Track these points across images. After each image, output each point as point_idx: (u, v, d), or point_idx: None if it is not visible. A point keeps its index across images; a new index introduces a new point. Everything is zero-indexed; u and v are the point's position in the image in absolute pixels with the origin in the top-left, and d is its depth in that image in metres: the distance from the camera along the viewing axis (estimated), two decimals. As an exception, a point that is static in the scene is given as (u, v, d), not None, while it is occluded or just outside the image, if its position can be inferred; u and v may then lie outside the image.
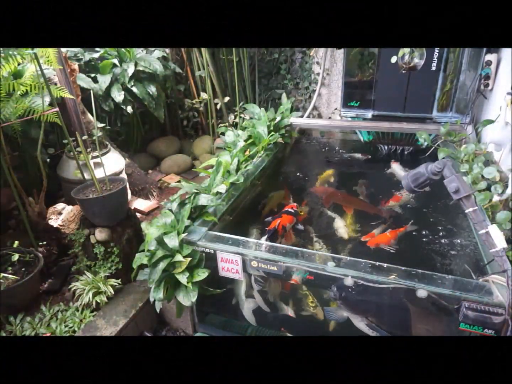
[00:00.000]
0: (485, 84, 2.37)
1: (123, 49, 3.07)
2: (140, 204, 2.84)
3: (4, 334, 1.69)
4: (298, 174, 2.69)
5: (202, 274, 1.48)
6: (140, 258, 1.54)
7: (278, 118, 2.80)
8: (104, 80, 2.87)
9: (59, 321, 1.74)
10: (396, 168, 2.64)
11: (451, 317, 1.22)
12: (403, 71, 2.52)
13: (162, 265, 1.47)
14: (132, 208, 2.71)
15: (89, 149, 2.46)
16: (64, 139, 2.44)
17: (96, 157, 2.37)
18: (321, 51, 3.27)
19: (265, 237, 1.84)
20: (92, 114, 2.55)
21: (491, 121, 2.08)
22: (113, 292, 1.80)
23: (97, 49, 3.02)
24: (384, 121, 2.73)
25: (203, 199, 1.69)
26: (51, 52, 1.83)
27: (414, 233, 1.93)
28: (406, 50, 2.43)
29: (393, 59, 2.48)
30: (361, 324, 1.49)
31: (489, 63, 2.32)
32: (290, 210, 2.03)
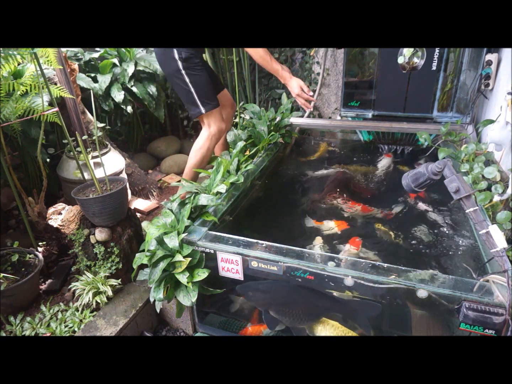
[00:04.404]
0: (486, 84, 2.37)
1: (123, 49, 3.07)
2: (140, 204, 2.84)
3: (4, 334, 1.69)
4: (299, 173, 2.69)
5: (202, 274, 1.48)
6: (140, 258, 1.54)
7: (278, 118, 2.80)
8: (104, 80, 2.87)
9: (59, 321, 1.74)
10: (386, 162, 2.65)
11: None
12: (405, 71, 2.52)
13: (162, 265, 1.47)
14: (132, 208, 2.71)
15: (89, 149, 2.46)
16: (64, 139, 2.44)
17: (96, 157, 2.37)
18: (321, 51, 3.27)
19: None
20: (92, 114, 2.56)
21: (491, 121, 2.07)
22: (113, 292, 1.80)
23: (97, 49, 3.02)
24: (384, 121, 2.73)
25: (203, 199, 1.69)
26: (51, 52, 1.83)
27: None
28: (411, 50, 2.43)
29: (400, 59, 2.48)
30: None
31: (489, 63, 2.32)
32: None
